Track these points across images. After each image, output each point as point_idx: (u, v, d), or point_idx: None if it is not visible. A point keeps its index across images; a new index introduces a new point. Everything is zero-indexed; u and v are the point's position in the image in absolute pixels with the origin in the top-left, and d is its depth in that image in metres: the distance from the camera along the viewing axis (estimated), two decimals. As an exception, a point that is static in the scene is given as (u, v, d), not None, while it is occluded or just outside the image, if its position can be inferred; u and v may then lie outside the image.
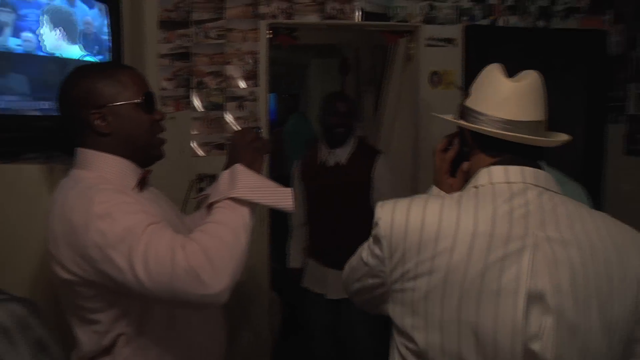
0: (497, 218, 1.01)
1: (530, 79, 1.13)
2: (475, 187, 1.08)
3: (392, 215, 1.08)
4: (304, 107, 7.32)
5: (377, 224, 1.09)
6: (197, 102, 2.88)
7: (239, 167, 1.26)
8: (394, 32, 3.12)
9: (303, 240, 2.84)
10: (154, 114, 1.35)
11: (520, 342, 0.96)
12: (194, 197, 2.65)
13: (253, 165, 1.29)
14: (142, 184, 1.35)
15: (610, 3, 3.05)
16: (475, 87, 1.17)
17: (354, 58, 5.19)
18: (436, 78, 3.02)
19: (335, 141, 2.67)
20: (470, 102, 1.16)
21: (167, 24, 2.84)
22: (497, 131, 1.09)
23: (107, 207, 1.14)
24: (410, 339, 1.06)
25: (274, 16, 2.90)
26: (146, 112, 1.33)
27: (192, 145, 2.88)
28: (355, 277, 1.20)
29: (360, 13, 2.94)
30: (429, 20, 2.97)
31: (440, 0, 2.96)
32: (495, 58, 3.12)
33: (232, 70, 2.90)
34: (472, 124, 1.12)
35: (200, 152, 2.90)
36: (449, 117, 1.24)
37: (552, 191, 1.07)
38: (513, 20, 3.02)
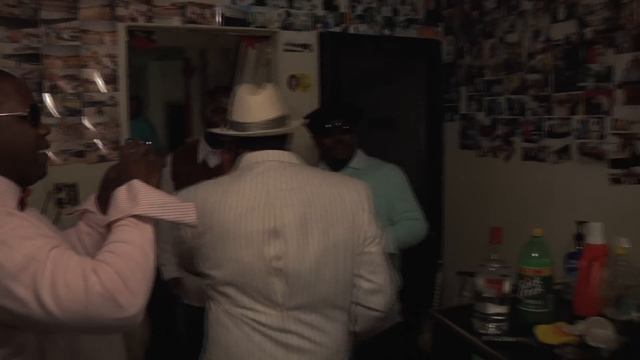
0: (245, 185, 1.51)
1: (266, 90, 1.61)
2: (237, 169, 1.59)
3: (185, 197, 1.45)
4: (145, 112, 7.11)
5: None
6: (51, 108, 2.74)
7: (137, 183, 1.21)
8: (253, 37, 3.23)
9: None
10: (39, 128, 1.25)
11: (266, 263, 1.46)
12: (67, 213, 2.51)
13: (150, 181, 1.24)
14: (22, 205, 1.23)
15: (441, 17, 3.45)
16: (234, 105, 1.63)
17: (200, 60, 5.17)
18: (294, 81, 3.18)
19: (219, 141, 2.40)
20: (232, 116, 1.63)
21: (10, 21, 2.66)
22: (243, 134, 1.58)
23: (0, 234, 1.03)
24: (209, 276, 1.53)
25: (132, 18, 2.85)
26: (31, 126, 1.22)
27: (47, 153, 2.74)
28: (175, 248, 1.67)
29: (221, 18, 3.00)
30: (286, 26, 3.13)
31: (297, 8, 3.13)
32: (347, 62, 3.40)
33: (89, 74, 2.80)
34: (237, 131, 1.60)
35: (56, 161, 2.75)
36: (223, 130, 1.68)
37: (292, 163, 1.59)
38: (362, 28, 3.29)
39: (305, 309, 1.49)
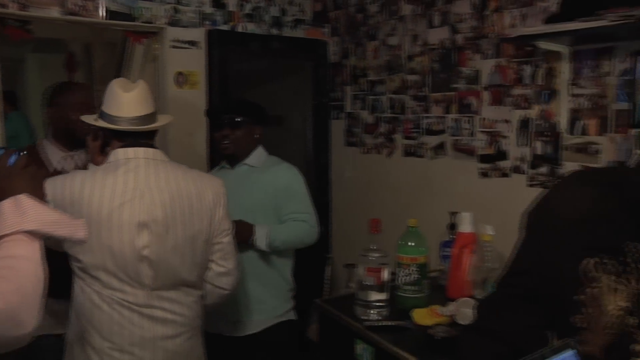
0: (118, 180, 1.66)
1: (138, 87, 1.75)
2: (109, 162, 1.72)
3: (53, 187, 1.59)
4: (23, 106, 6.71)
5: (45, 194, 1.37)
6: None
7: (24, 198, 1.18)
8: (139, 32, 3.17)
9: None
10: None
11: (136, 252, 1.65)
12: None
13: (36, 194, 1.22)
14: None
15: (328, 18, 3.57)
16: (106, 97, 1.75)
17: (85, 55, 4.96)
18: (181, 78, 3.16)
19: (79, 141, 2.15)
20: (104, 108, 1.75)
21: None
22: (115, 127, 1.72)
23: None
24: (78, 260, 1.66)
25: (3, 5, 2.69)
26: None
27: None
28: None
29: (104, 11, 2.91)
30: (174, 22, 3.09)
31: (184, 4, 3.10)
32: (235, 60, 3.41)
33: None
34: (108, 123, 1.72)
35: None
36: (91, 120, 1.79)
37: (160, 160, 1.75)
38: (251, 27, 3.32)
39: (168, 287, 1.74)
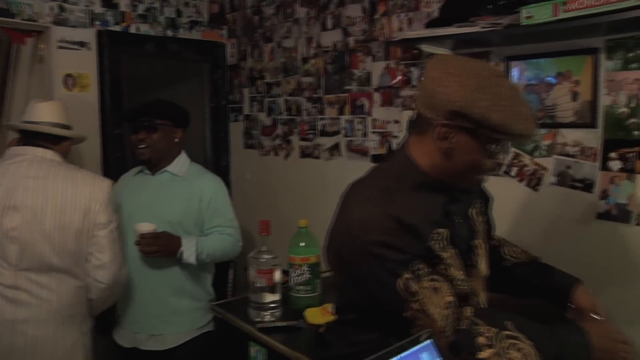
0: (6, 172, 1.90)
1: (53, 102, 2.15)
2: (3, 156, 1.99)
3: None
4: None
5: None
6: None
7: None
8: (21, 31, 2.99)
9: None
10: None
11: (4, 232, 1.84)
12: None
13: None
14: None
15: (225, 20, 3.54)
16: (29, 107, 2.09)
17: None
18: (70, 81, 3.02)
19: None
20: (23, 116, 2.07)
21: None
22: (16, 124, 2.10)
23: None
24: None
25: None
26: None
27: None
28: None
29: (-22, 6, 2.73)
30: (60, 21, 2.95)
31: (72, 3, 2.97)
32: (129, 62, 3.31)
33: None
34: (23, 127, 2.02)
35: None
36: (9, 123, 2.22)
37: (50, 159, 1.97)
38: (145, 28, 3.23)
39: (36, 270, 1.88)
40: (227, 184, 3.57)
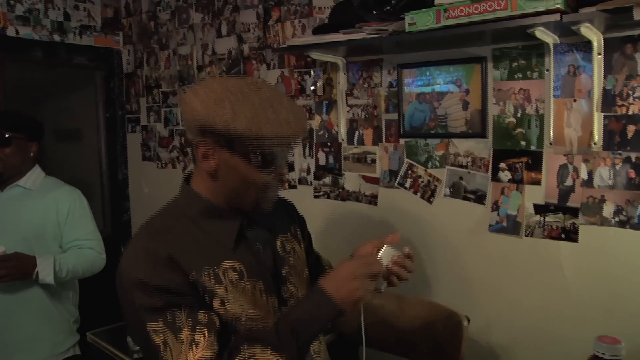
0: None
1: None
2: None
3: None
4: None
5: None
6: None
7: None
8: None
9: None
10: None
11: None
12: None
13: None
14: None
15: (120, 26, 3.33)
16: None
17: None
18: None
19: None
20: None
21: None
22: None
23: None
24: None
25: None
26: None
27: None
28: None
29: None
30: None
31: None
32: (12, 69, 3.03)
33: None
34: None
35: None
36: None
37: None
38: (26, 31, 2.97)
39: None
40: (125, 198, 3.37)
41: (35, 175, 2.20)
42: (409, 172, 2.11)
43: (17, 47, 2.94)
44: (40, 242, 2.11)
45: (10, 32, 2.93)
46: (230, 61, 2.69)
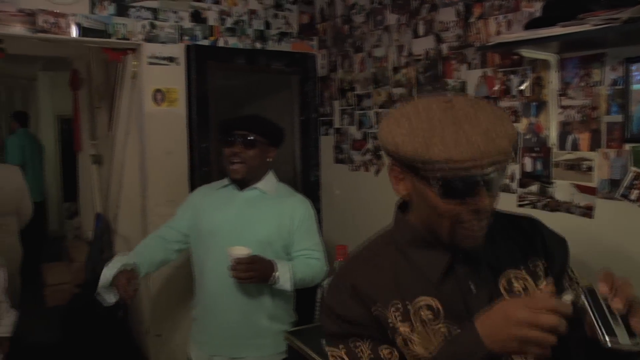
0: None
1: None
2: None
3: None
4: (34, 123, 6.94)
5: None
6: None
7: None
8: (117, 49, 3.06)
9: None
10: None
11: None
12: None
13: None
14: None
15: (316, 31, 3.42)
16: None
17: (86, 72, 4.90)
18: (160, 95, 3.03)
19: None
20: None
21: None
22: None
23: None
24: None
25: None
26: None
27: None
28: None
29: (78, 28, 2.81)
30: (151, 38, 2.98)
31: (162, 20, 2.99)
32: (217, 76, 3.27)
33: None
34: None
35: None
36: None
37: None
38: (233, 41, 3.19)
39: None
40: (317, 199, 3.45)
41: (271, 180, 2.29)
42: (635, 182, 1.84)
43: (224, 56, 3.17)
44: (271, 246, 2.18)
45: (220, 43, 3.16)
46: (428, 62, 2.60)
